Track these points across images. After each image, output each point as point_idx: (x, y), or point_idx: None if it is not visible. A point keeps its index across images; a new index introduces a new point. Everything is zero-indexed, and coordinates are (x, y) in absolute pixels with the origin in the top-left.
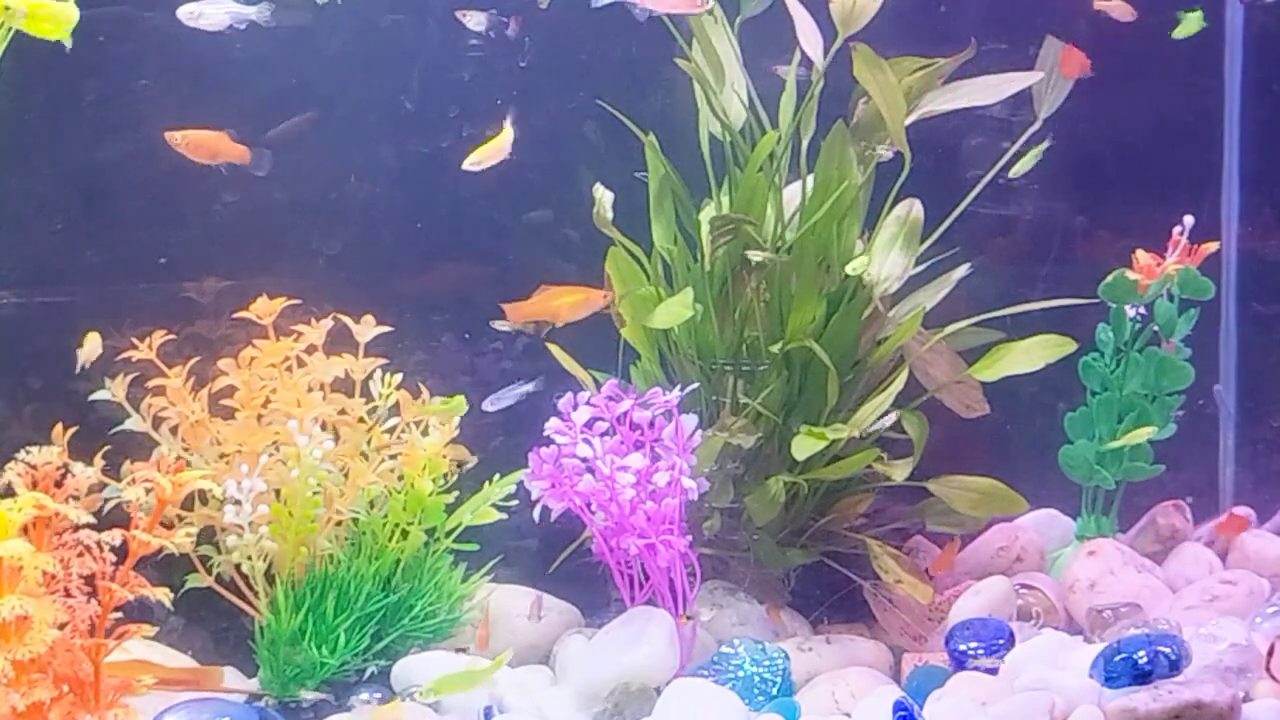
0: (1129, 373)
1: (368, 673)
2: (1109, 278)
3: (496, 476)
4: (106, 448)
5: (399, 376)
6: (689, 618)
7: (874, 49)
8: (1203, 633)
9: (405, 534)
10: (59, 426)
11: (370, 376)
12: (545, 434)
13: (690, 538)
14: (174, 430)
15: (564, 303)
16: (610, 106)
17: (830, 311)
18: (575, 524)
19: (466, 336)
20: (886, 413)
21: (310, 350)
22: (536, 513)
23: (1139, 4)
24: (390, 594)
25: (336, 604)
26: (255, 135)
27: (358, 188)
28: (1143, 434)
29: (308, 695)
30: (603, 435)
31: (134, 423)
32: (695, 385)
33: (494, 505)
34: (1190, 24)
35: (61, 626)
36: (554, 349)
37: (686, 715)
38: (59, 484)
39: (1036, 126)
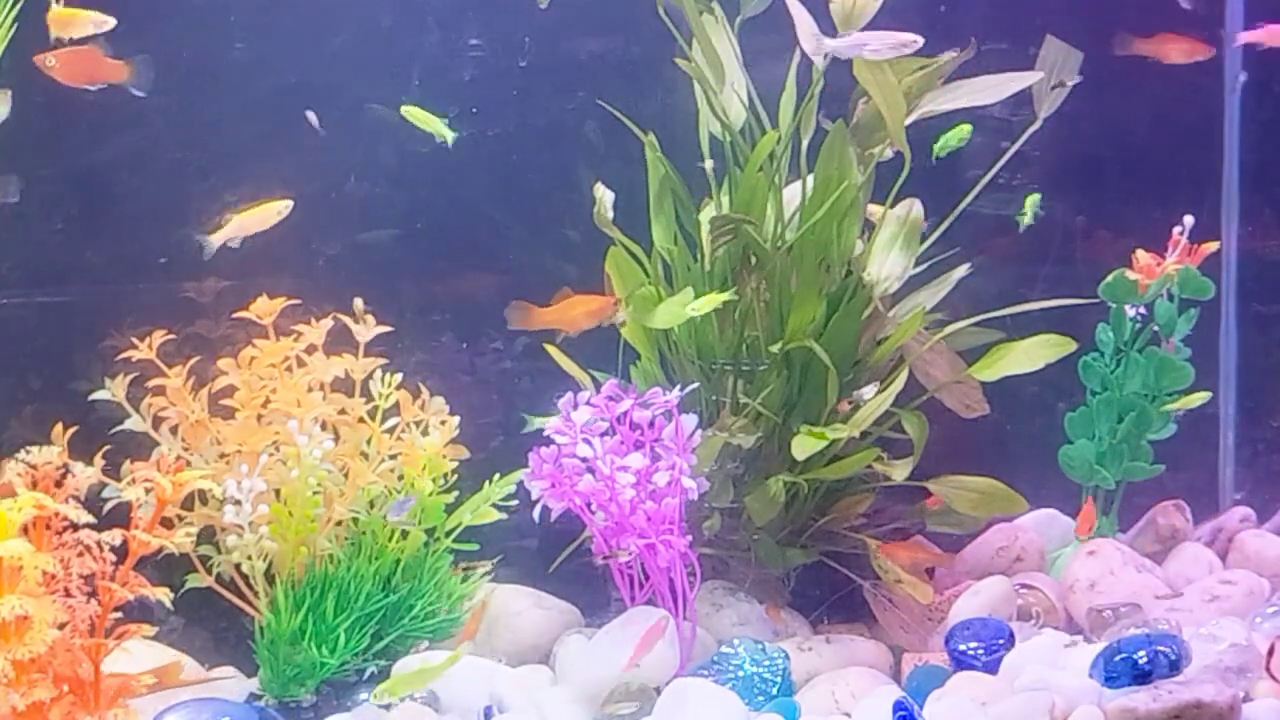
0: (1129, 373)
1: (368, 673)
2: (1109, 278)
3: (496, 476)
4: (106, 448)
5: (399, 376)
6: None
7: None
8: (1203, 633)
9: (405, 534)
10: (59, 426)
11: (370, 376)
12: (545, 434)
13: (690, 538)
14: (174, 430)
15: (583, 311)
16: (610, 106)
17: (830, 311)
18: (575, 524)
19: (465, 345)
20: (890, 413)
21: (310, 350)
22: (536, 513)
23: (1139, 4)
24: (390, 594)
25: (336, 604)
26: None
27: (358, 188)
28: (1198, 399)
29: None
30: (603, 435)
31: (134, 423)
32: (695, 385)
33: (494, 505)
34: None
35: (61, 626)
36: (552, 350)
37: (686, 715)
38: (59, 484)
39: (1036, 126)
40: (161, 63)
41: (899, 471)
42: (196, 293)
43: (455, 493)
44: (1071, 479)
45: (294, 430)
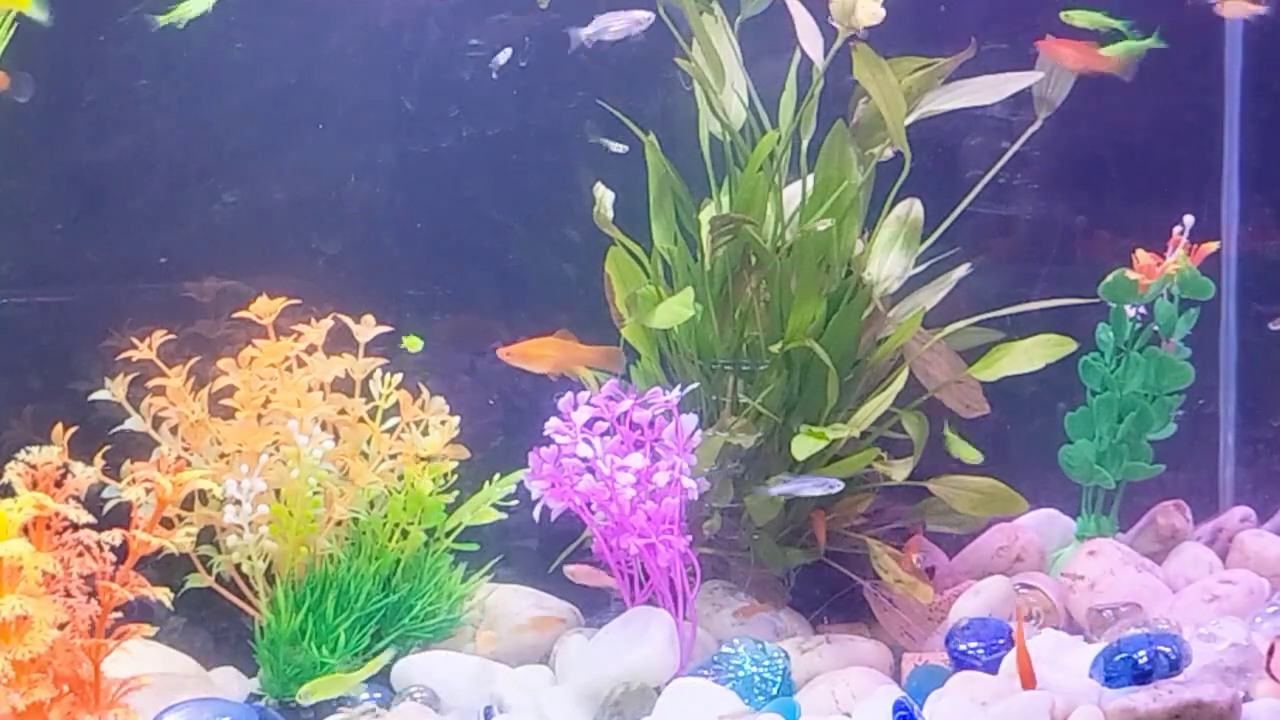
0: (1129, 372)
1: None
2: (1109, 278)
3: (497, 476)
4: (106, 448)
5: (399, 376)
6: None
7: (874, 49)
8: (1203, 633)
9: (405, 534)
10: (59, 426)
11: (370, 376)
12: (545, 434)
13: (690, 538)
14: (174, 430)
15: (582, 355)
16: (610, 106)
17: (830, 311)
18: (575, 524)
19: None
20: (891, 413)
21: (310, 350)
22: (537, 513)
23: (1139, 5)
24: (390, 594)
25: (336, 604)
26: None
27: (358, 188)
28: None
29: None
30: (603, 435)
31: (134, 423)
32: (695, 385)
33: (494, 505)
34: None
35: (61, 626)
36: None
37: (686, 715)
38: (59, 484)
39: (1036, 126)
40: (162, 61)
41: (899, 471)
42: (196, 293)
43: (455, 493)
44: (1071, 479)
45: (294, 430)
